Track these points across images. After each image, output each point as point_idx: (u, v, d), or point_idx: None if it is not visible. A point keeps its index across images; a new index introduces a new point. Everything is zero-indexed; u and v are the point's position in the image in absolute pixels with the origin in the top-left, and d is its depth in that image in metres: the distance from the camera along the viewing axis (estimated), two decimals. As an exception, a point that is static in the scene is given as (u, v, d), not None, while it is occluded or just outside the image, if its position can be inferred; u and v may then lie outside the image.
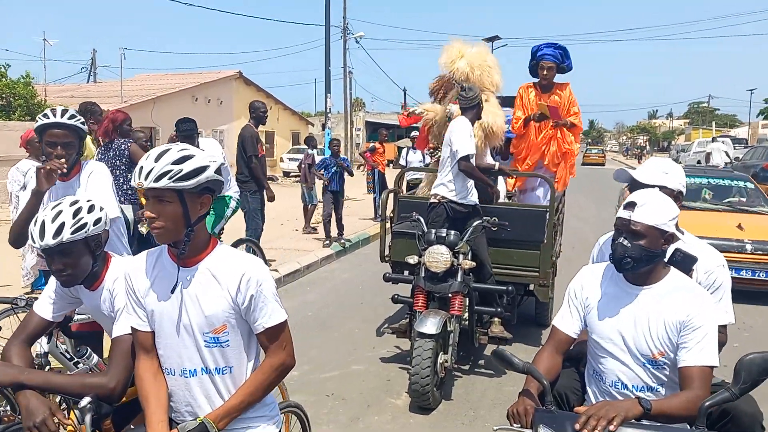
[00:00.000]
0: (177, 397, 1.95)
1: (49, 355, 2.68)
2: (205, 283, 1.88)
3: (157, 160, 1.81)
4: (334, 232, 9.69)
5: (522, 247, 5.08)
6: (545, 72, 5.60)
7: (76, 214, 2.13)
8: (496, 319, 4.92)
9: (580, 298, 2.32)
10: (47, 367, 2.62)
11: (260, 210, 7.22)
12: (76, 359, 2.60)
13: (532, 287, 5.30)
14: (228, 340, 1.90)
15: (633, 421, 1.92)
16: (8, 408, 2.50)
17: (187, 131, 5.97)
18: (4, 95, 15.81)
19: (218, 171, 1.94)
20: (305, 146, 11.77)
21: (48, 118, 2.98)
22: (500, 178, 5.26)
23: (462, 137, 4.67)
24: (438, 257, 4.40)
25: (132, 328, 1.98)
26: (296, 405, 2.77)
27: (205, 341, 1.89)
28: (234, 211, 6.41)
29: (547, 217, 5.05)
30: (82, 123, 3.08)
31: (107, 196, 3.06)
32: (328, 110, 17.52)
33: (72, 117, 3.02)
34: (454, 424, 4.00)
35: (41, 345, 2.69)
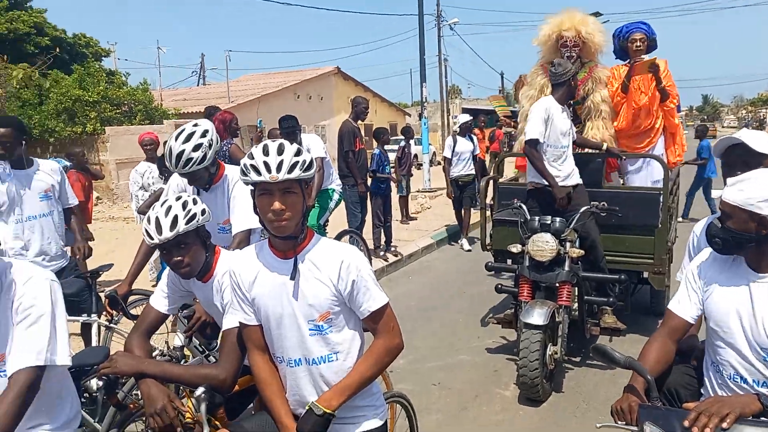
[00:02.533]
0: (288, 384, 2.01)
1: (185, 348, 2.84)
2: (307, 272, 1.93)
3: (279, 153, 1.86)
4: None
5: (635, 232, 4.81)
6: (637, 43, 5.27)
7: (184, 206, 2.25)
8: (608, 308, 4.70)
9: (699, 281, 2.14)
10: (182, 360, 2.78)
11: (359, 202, 7.34)
12: (207, 352, 2.77)
13: (646, 275, 5.01)
14: (331, 327, 1.94)
15: (751, 418, 1.74)
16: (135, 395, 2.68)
17: (289, 128, 6.15)
18: (126, 102, 17.06)
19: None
20: (401, 135, 11.76)
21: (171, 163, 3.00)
22: (572, 163, 4.75)
23: (532, 121, 4.52)
24: (543, 245, 4.25)
25: (240, 322, 2.05)
26: (401, 395, 2.78)
27: (309, 329, 1.93)
28: (337, 204, 6.55)
29: (661, 200, 4.75)
30: (209, 143, 3.03)
31: (249, 204, 3.21)
32: (423, 100, 17.43)
33: (197, 147, 2.98)
34: (565, 416, 3.87)
35: (179, 338, 2.87)
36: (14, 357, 1.80)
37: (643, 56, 5.34)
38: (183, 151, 2.94)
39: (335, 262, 1.92)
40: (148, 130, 15.92)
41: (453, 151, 8.79)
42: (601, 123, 5.30)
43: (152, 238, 2.21)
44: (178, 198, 2.29)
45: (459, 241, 9.21)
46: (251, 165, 1.86)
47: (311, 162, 1.91)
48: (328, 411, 1.87)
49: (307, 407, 1.90)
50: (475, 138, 9.40)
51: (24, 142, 3.68)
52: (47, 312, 1.85)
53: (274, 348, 2.00)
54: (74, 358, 2.19)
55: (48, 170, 3.86)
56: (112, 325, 3.84)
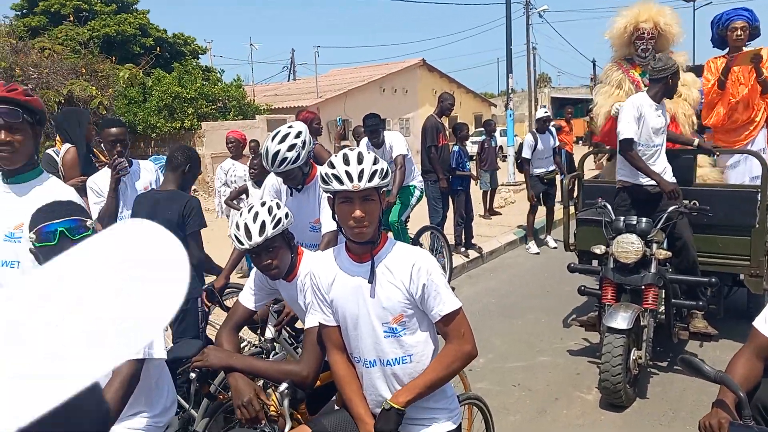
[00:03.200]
0: (363, 385, 2.10)
1: (275, 342, 3.02)
2: (381, 276, 2.01)
3: (359, 162, 1.95)
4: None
5: (729, 232, 4.56)
6: (738, 32, 4.96)
7: (270, 211, 2.38)
8: (699, 312, 4.50)
9: None
10: (272, 352, 2.95)
11: (441, 198, 7.36)
12: (295, 344, 2.92)
13: (742, 277, 4.75)
14: (405, 329, 2.01)
15: None
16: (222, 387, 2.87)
17: (372, 126, 6.26)
18: (220, 98, 17.88)
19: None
20: (482, 128, 11.60)
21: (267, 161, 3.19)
22: (665, 161, 4.56)
23: (623, 119, 4.35)
24: (628, 247, 4.13)
25: (319, 322, 2.15)
26: (477, 397, 2.80)
27: (384, 331, 2.01)
28: (418, 200, 6.61)
29: (759, 198, 4.48)
30: (303, 143, 3.19)
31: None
32: (510, 90, 17.13)
33: (291, 147, 3.17)
34: (650, 423, 3.76)
35: (270, 331, 3.05)
36: None
37: (744, 46, 5.03)
38: (278, 151, 3.12)
39: (407, 265, 1.98)
40: (241, 125, 16.64)
41: (534, 149, 8.41)
42: (682, 103, 5.05)
43: (242, 244, 2.36)
44: (263, 203, 2.42)
45: (526, 244, 8.81)
46: (333, 174, 1.95)
47: (387, 170, 2.00)
48: (395, 406, 1.94)
49: (381, 409, 1.99)
50: (554, 131, 8.93)
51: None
52: None
53: (351, 348, 2.09)
54: (171, 350, 2.39)
55: (146, 169, 4.14)
56: (206, 314, 4.11)
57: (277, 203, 2.45)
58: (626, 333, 3.83)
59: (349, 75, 28.31)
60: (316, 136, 6.00)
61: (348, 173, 1.93)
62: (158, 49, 19.50)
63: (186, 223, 3.37)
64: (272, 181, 3.59)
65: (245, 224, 2.36)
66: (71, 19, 19.32)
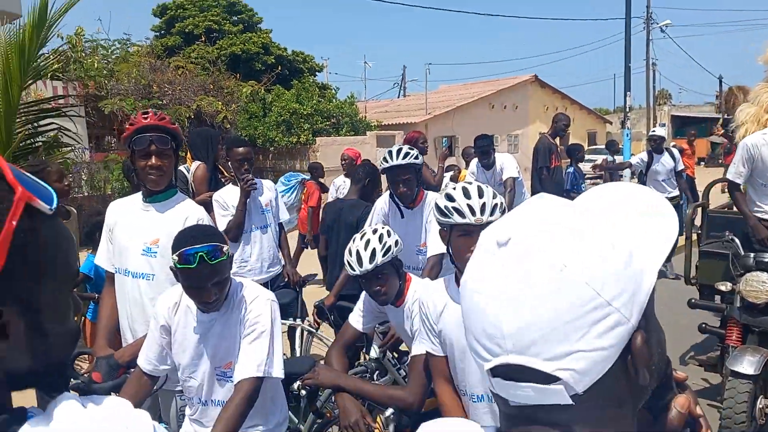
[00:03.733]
0: (473, 419, 2.11)
1: (380, 362, 3.11)
2: None
3: (480, 196, 1.99)
4: None
5: None
6: None
7: (381, 239, 2.45)
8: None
9: None
10: (376, 372, 3.04)
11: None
12: (399, 366, 3.00)
13: None
14: None
15: None
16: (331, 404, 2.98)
17: (484, 147, 6.26)
18: (334, 114, 18.54)
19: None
20: (605, 148, 11.20)
21: (387, 162, 3.45)
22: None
23: (734, 161, 4.18)
24: (759, 286, 3.84)
25: (427, 351, 2.17)
26: None
27: None
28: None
29: None
30: (416, 157, 3.46)
31: None
32: (627, 109, 16.42)
33: (406, 155, 3.43)
34: (777, 480, 3.46)
35: (375, 351, 3.15)
36: (240, 367, 2.08)
37: None
38: (402, 148, 3.41)
39: None
40: (352, 141, 17.11)
41: (648, 169, 7.95)
42: None
43: (353, 270, 2.45)
44: (375, 231, 2.50)
45: None
46: (453, 207, 1.98)
47: (504, 205, 2.01)
48: None
49: None
50: (676, 152, 8.25)
51: None
52: (267, 330, 2.12)
53: (458, 380, 2.10)
54: (284, 366, 2.52)
55: (267, 187, 4.40)
56: (314, 330, 4.28)
57: (388, 231, 2.52)
58: (753, 379, 3.55)
59: (458, 91, 28.32)
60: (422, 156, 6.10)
61: (470, 206, 1.96)
62: (279, 67, 20.54)
63: (359, 227, 3.69)
64: (381, 204, 3.71)
65: (357, 251, 2.44)
66: (203, 39, 20.86)
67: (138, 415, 0.72)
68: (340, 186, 7.14)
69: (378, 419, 2.36)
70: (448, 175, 7.52)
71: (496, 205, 1.96)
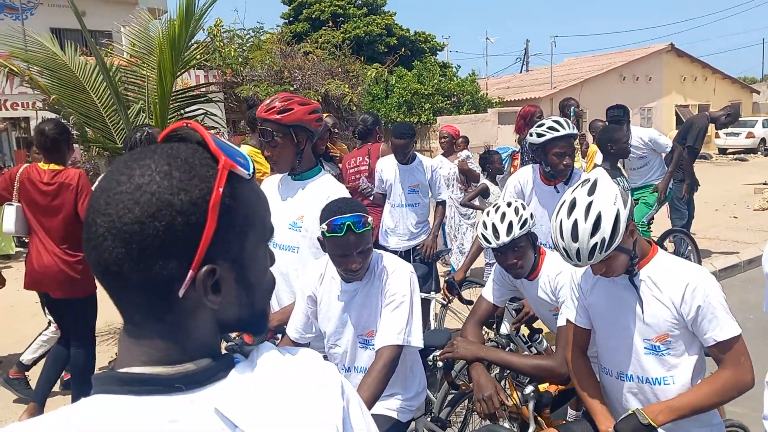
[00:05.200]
0: (612, 396, 2.07)
1: (510, 339, 3.14)
2: (647, 290, 1.93)
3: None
4: None
5: None
6: None
7: (517, 211, 2.44)
8: None
9: None
10: (507, 349, 3.08)
11: (685, 199, 6.74)
12: (530, 343, 3.01)
13: None
14: (669, 349, 1.92)
15: None
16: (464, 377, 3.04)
17: (616, 117, 5.98)
18: (455, 93, 18.44)
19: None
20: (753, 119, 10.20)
21: (558, 131, 3.30)
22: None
23: None
24: None
25: (567, 319, 2.17)
26: (741, 426, 2.56)
27: (645, 348, 1.94)
28: (665, 200, 6.16)
29: None
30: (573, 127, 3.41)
31: None
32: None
33: (570, 125, 3.36)
34: None
35: (506, 327, 3.18)
36: (381, 335, 2.17)
37: None
38: (571, 135, 3.34)
39: (680, 284, 1.88)
40: (473, 119, 16.95)
41: None
42: None
43: (489, 243, 2.46)
44: (510, 204, 2.49)
45: None
46: None
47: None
48: (653, 423, 1.84)
49: (630, 411, 1.91)
50: None
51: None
52: (407, 299, 2.19)
53: (605, 358, 2.08)
54: (423, 338, 2.60)
55: (421, 168, 4.60)
56: (447, 304, 4.40)
57: (522, 204, 2.51)
58: None
59: (586, 64, 27.01)
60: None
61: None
62: (402, 49, 20.71)
63: None
64: (514, 182, 3.68)
65: (493, 224, 2.44)
66: (329, 24, 21.48)
67: (328, 365, 0.81)
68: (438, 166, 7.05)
69: (514, 395, 2.37)
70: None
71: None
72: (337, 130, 5.72)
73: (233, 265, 0.75)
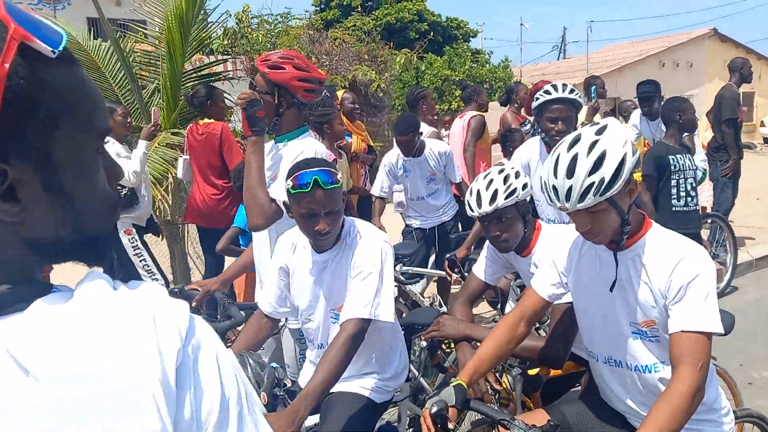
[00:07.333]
0: (604, 385, 1.90)
1: None
2: (632, 269, 1.73)
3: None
4: None
5: None
6: None
7: (506, 180, 2.24)
8: None
9: None
10: None
11: (731, 182, 6.33)
12: (537, 325, 2.83)
13: None
14: (658, 337, 1.71)
15: None
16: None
17: (646, 93, 5.68)
18: (487, 80, 18.07)
19: None
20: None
21: (550, 94, 3.14)
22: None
23: None
24: None
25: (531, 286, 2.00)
26: (759, 415, 2.34)
27: (632, 333, 1.75)
28: (699, 182, 5.81)
29: None
30: (579, 96, 3.21)
31: None
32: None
33: (572, 91, 3.16)
34: None
35: (510, 307, 3.00)
36: (346, 307, 2.00)
37: None
38: (563, 99, 3.19)
39: (671, 261, 1.65)
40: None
41: None
42: None
43: (472, 210, 2.28)
44: (501, 171, 2.30)
45: None
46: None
47: None
48: None
49: None
50: None
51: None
52: (377, 270, 2.01)
53: (593, 342, 1.89)
54: (407, 317, 2.45)
55: (434, 156, 4.29)
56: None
57: (516, 172, 2.30)
58: None
59: (624, 50, 26.22)
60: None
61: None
62: (432, 34, 20.41)
63: None
64: (520, 155, 3.49)
65: (478, 191, 2.27)
66: (359, 10, 21.30)
67: (174, 305, 0.63)
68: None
69: (505, 378, 2.21)
70: None
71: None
72: (357, 107, 5.55)
73: (38, 169, 0.60)
